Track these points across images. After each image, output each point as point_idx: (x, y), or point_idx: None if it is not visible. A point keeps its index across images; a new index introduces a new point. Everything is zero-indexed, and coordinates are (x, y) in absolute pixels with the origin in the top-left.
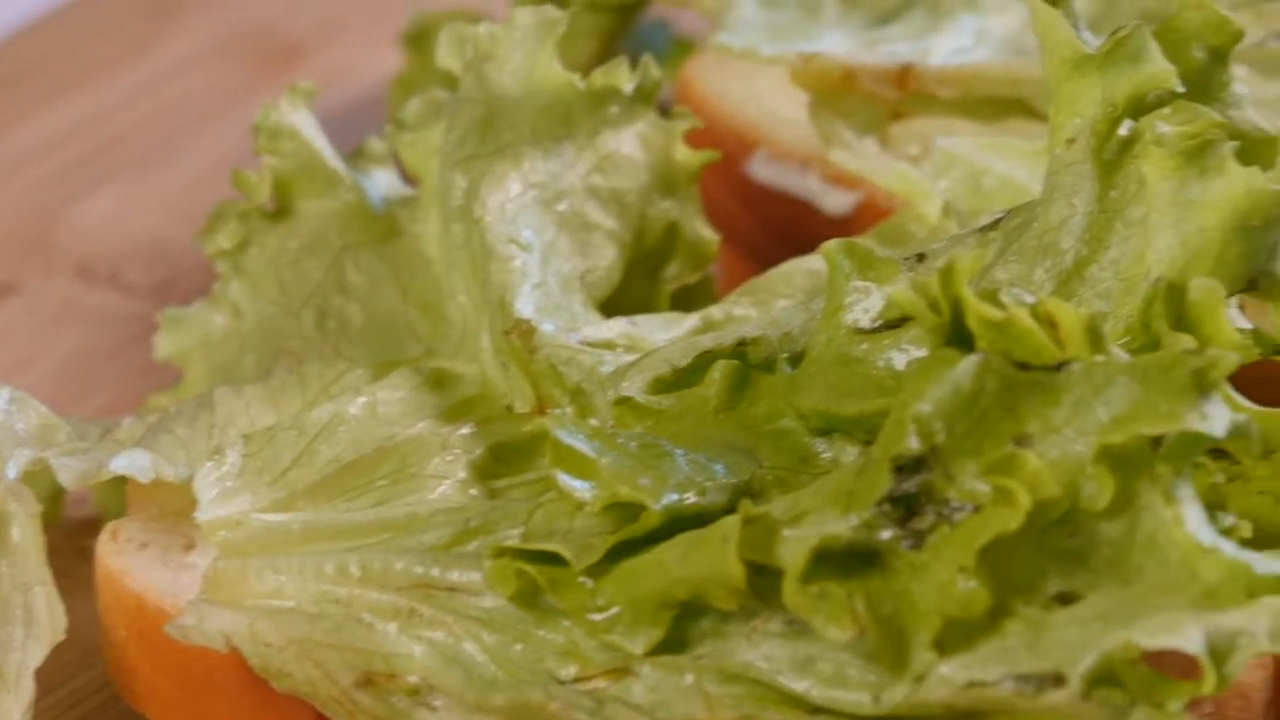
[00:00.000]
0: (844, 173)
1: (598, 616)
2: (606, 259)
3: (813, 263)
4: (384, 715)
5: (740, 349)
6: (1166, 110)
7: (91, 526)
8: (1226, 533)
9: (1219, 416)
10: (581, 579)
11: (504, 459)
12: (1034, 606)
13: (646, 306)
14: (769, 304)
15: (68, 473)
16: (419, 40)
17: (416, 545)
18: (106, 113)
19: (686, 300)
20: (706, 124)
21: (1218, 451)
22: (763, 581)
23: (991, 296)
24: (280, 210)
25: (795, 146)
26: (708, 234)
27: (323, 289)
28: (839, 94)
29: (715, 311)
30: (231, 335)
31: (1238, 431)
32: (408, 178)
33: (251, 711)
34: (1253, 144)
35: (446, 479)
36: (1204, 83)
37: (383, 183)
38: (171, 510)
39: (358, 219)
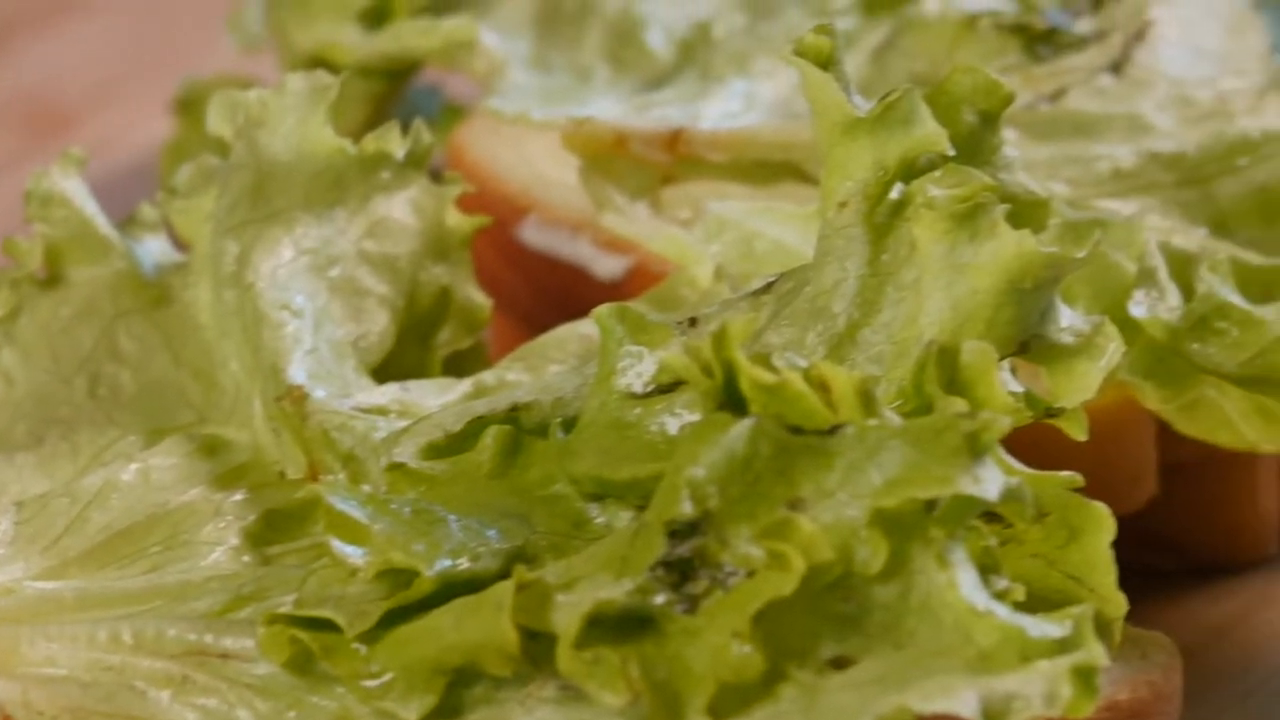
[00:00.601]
0: (615, 237)
1: (371, 683)
2: (379, 324)
3: (585, 327)
4: None
5: (513, 414)
6: (938, 173)
7: None
8: (1000, 596)
9: (992, 480)
10: (355, 645)
11: (277, 525)
12: (808, 671)
13: (419, 372)
14: (542, 369)
15: None
16: (190, 107)
17: (189, 612)
18: None
19: (459, 366)
20: (478, 189)
21: (991, 515)
22: (537, 647)
23: (764, 360)
24: (52, 278)
25: (567, 211)
26: (480, 299)
27: (95, 356)
28: (610, 158)
29: (488, 377)
30: (3, 403)
31: (1010, 495)
32: (180, 244)
33: None
34: (1024, 207)
35: (219, 546)
36: (975, 146)
37: (155, 250)
38: None
39: (130, 286)
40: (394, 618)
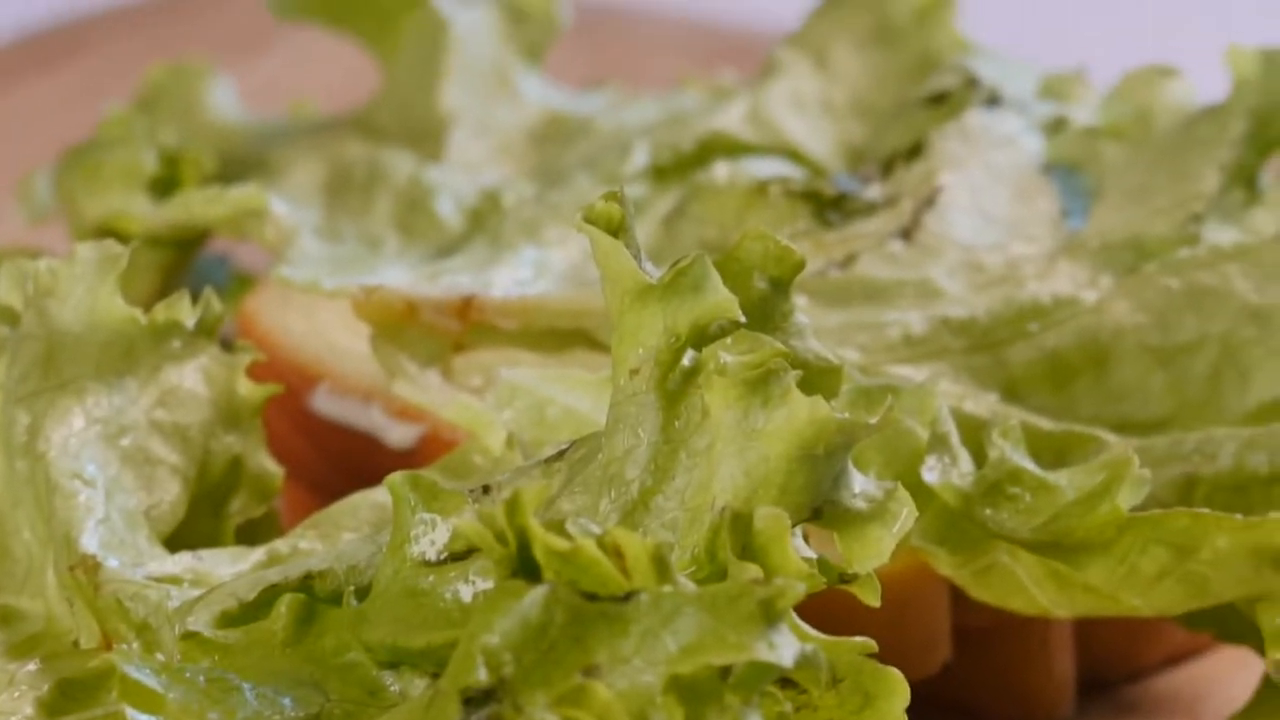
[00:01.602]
0: (407, 405)
1: None
2: (171, 493)
3: (378, 495)
4: None
5: (307, 582)
6: (729, 340)
7: None
8: None
9: (786, 646)
10: None
11: (71, 695)
12: None
13: (211, 541)
14: (335, 537)
15: None
16: None
17: None
18: None
19: (251, 534)
20: (269, 358)
21: (786, 680)
22: None
23: (558, 527)
24: None
25: (358, 380)
26: (272, 468)
27: None
28: (401, 327)
29: (281, 545)
30: None
31: (805, 661)
32: None
33: None
34: (815, 373)
35: (13, 716)
36: (766, 312)
37: None
38: None
39: None
40: None
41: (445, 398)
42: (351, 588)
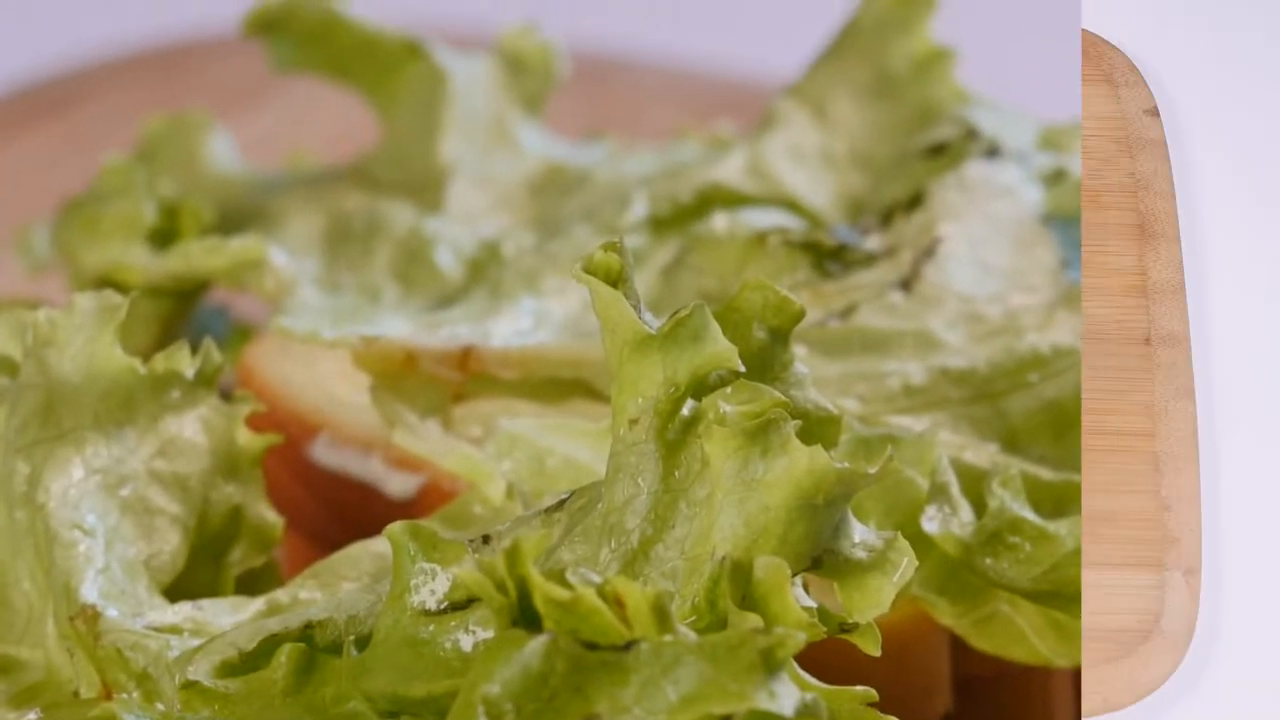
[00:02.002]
0: (407, 455)
1: None
2: (170, 543)
3: (378, 545)
4: None
5: (307, 632)
6: (729, 390)
7: None
8: None
9: (787, 695)
10: None
11: None
12: None
13: (211, 590)
14: (335, 587)
15: None
16: None
17: None
18: None
19: (251, 584)
20: (269, 408)
21: None
22: None
23: (558, 576)
24: None
25: (358, 430)
26: (271, 517)
27: None
28: (401, 377)
29: (281, 595)
30: None
31: (806, 710)
32: None
33: None
34: (815, 423)
35: None
36: (766, 362)
37: None
38: None
39: None
40: None
41: (445, 448)
42: (352, 637)
